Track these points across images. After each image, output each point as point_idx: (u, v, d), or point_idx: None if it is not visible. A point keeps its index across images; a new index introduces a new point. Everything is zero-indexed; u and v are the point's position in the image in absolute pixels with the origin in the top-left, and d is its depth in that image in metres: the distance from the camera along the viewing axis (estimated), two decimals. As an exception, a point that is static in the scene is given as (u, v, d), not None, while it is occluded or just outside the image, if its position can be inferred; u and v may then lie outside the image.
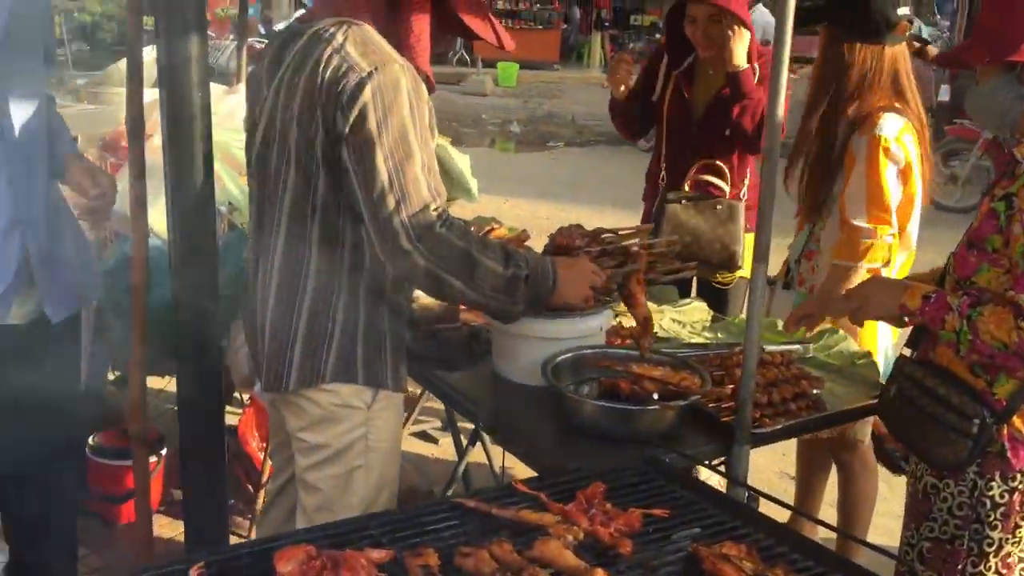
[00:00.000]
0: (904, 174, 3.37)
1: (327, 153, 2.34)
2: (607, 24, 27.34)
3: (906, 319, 2.52)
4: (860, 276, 3.33)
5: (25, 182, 2.44)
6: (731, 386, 2.79)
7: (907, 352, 2.72)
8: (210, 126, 2.38)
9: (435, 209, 2.31)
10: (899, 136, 3.34)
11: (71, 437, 3.06)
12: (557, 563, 1.87)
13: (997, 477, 2.46)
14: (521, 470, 4.09)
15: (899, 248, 3.43)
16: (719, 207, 4.03)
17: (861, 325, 2.80)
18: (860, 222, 3.34)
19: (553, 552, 1.89)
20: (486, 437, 4.22)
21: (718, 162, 4.05)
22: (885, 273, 3.36)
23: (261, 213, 2.58)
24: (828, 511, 4.12)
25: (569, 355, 2.92)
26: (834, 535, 3.78)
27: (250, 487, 4.21)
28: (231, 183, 4.33)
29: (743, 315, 3.25)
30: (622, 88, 4.26)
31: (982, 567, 2.51)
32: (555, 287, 2.50)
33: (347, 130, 2.29)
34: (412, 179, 2.28)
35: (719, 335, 3.49)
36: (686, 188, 4.10)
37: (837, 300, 2.83)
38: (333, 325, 2.44)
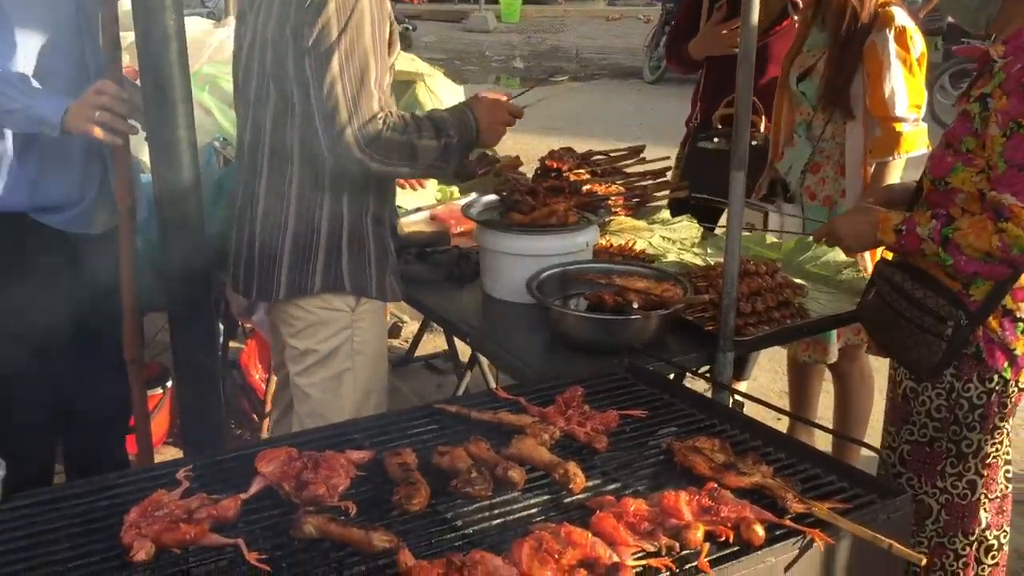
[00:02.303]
0: (919, 62, 3.43)
1: (299, 69, 2.43)
2: (611, -44, 26.86)
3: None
4: (898, 168, 3.46)
5: None
6: (714, 295, 2.82)
7: (889, 255, 2.74)
8: (185, 51, 2.38)
9: (381, 118, 2.45)
10: (912, 25, 3.43)
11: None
12: (532, 459, 1.93)
13: (974, 379, 2.49)
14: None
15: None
16: (754, 142, 3.99)
17: (849, 255, 2.85)
18: (903, 112, 3.40)
19: (528, 449, 1.95)
20: (484, 361, 4.29)
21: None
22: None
23: (246, 135, 2.69)
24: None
25: (554, 271, 2.95)
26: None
27: (255, 417, 4.30)
28: (223, 117, 4.34)
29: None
30: None
31: (961, 468, 2.55)
32: (478, 136, 2.69)
33: (310, 43, 2.39)
34: (366, 94, 2.42)
35: (709, 251, 3.51)
36: (715, 122, 4.11)
37: (815, 233, 2.85)
38: (317, 238, 2.58)
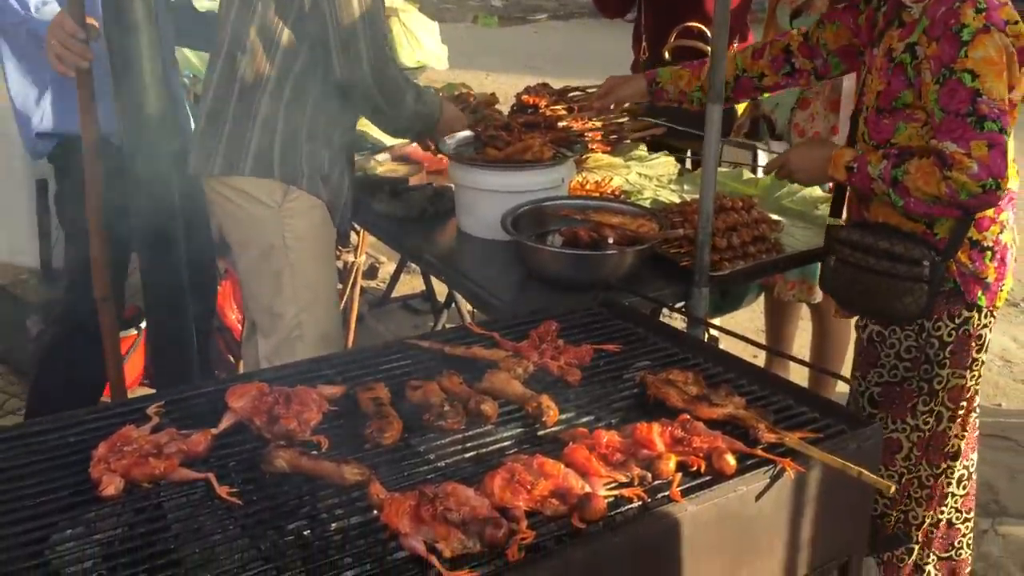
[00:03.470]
0: None
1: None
2: None
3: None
4: None
5: None
6: (690, 230, 2.80)
7: (833, 220, 2.72)
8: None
9: (392, 58, 2.73)
10: None
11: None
12: (505, 393, 1.92)
13: (944, 317, 2.49)
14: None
15: None
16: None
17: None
18: None
19: (501, 383, 1.94)
20: (461, 301, 4.28)
21: (700, 25, 3.96)
22: None
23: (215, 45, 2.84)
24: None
25: (529, 207, 2.93)
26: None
27: (231, 358, 4.27)
28: (192, 54, 4.25)
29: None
30: None
31: (932, 404, 2.57)
32: (439, 123, 3.07)
33: None
34: (379, 22, 2.73)
35: (686, 188, 3.49)
36: (666, 55, 4.02)
37: (768, 164, 2.82)
38: (254, 122, 2.72)
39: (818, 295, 3.69)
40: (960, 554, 2.88)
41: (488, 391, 1.92)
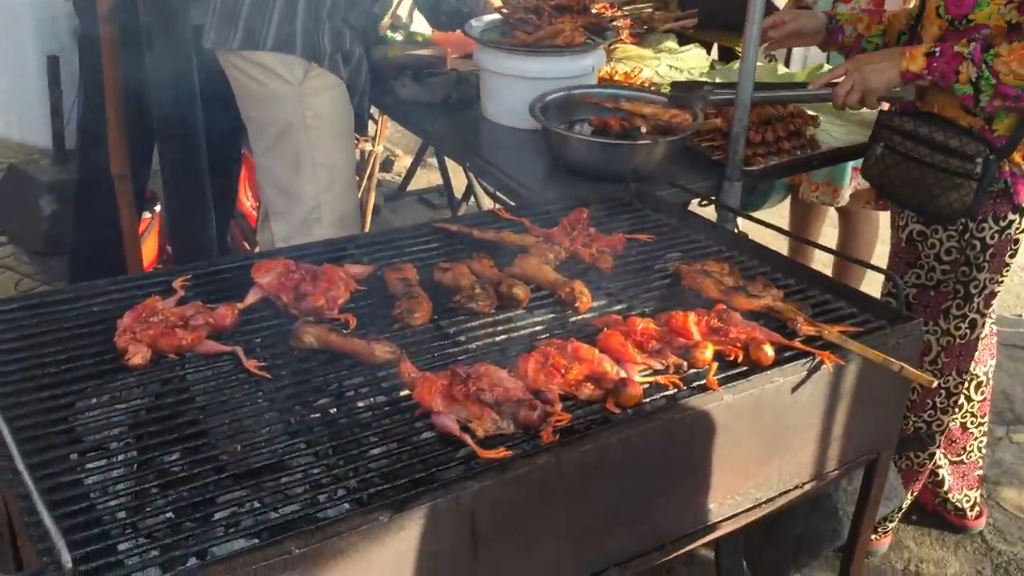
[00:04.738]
0: None
1: None
2: None
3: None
4: None
5: None
6: (723, 123, 2.71)
7: (886, 106, 2.61)
8: None
9: None
10: None
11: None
12: (536, 278, 1.88)
13: (989, 219, 2.42)
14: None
15: None
16: None
17: (872, 107, 2.62)
18: None
19: (532, 268, 1.89)
20: (480, 194, 4.21)
21: None
22: None
23: None
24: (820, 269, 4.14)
25: (558, 94, 2.83)
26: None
27: (246, 244, 4.23)
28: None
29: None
30: None
31: (966, 309, 2.52)
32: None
33: None
34: None
35: (717, 80, 3.37)
36: None
37: (837, 88, 2.63)
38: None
39: (843, 198, 3.60)
40: (971, 457, 2.87)
41: (519, 276, 1.88)
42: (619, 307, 1.85)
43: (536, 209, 2.27)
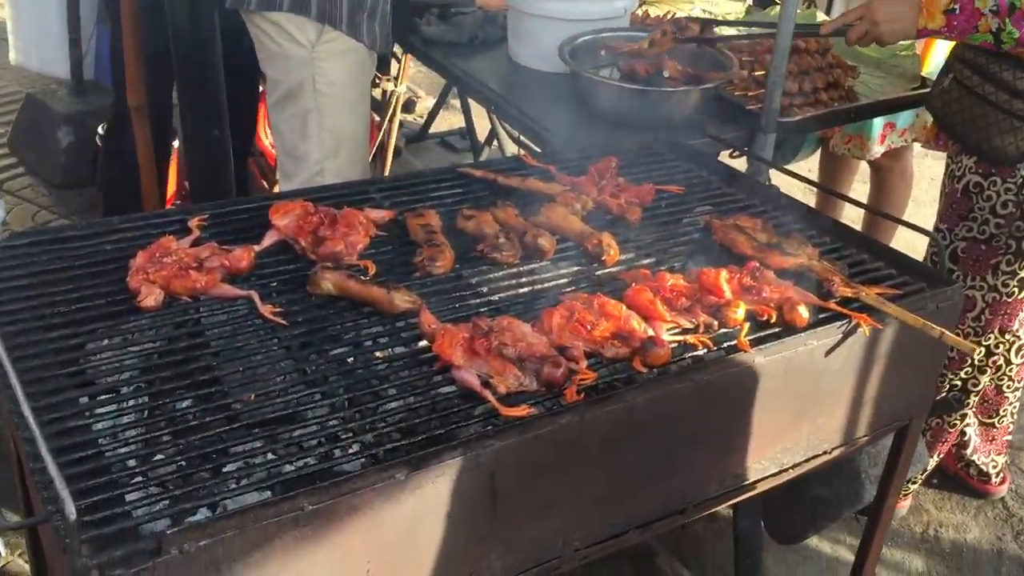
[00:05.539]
0: None
1: None
2: None
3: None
4: None
5: None
6: (759, 71, 2.61)
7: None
8: None
9: None
10: None
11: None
12: (562, 228, 1.81)
13: None
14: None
15: None
16: None
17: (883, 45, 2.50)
18: None
19: (559, 218, 1.82)
20: (503, 137, 4.12)
21: None
22: None
23: None
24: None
25: (588, 37, 2.73)
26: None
27: (264, 183, 4.17)
28: None
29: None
30: None
31: (1016, 266, 2.43)
32: None
33: None
34: None
35: (753, 29, 3.26)
36: None
37: (849, 33, 2.50)
38: None
39: (873, 152, 3.49)
40: (1002, 422, 2.81)
41: (544, 226, 1.81)
42: (647, 261, 1.79)
43: (563, 156, 2.20)
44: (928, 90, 2.58)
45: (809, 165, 4.25)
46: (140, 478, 1.20)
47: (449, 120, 5.41)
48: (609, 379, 1.45)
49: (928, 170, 4.86)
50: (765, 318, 1.59)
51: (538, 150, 2.64)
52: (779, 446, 1.66)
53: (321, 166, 2.67)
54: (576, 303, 1.53)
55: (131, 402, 1.34)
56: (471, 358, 1.41)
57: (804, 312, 1.58)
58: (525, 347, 1.42)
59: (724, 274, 1.65)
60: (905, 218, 3.79)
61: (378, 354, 1.49)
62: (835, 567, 2.71)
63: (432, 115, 5.21)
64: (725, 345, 1.53)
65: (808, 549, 2.74)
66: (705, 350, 1.51)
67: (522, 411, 1.33)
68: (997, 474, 2.96)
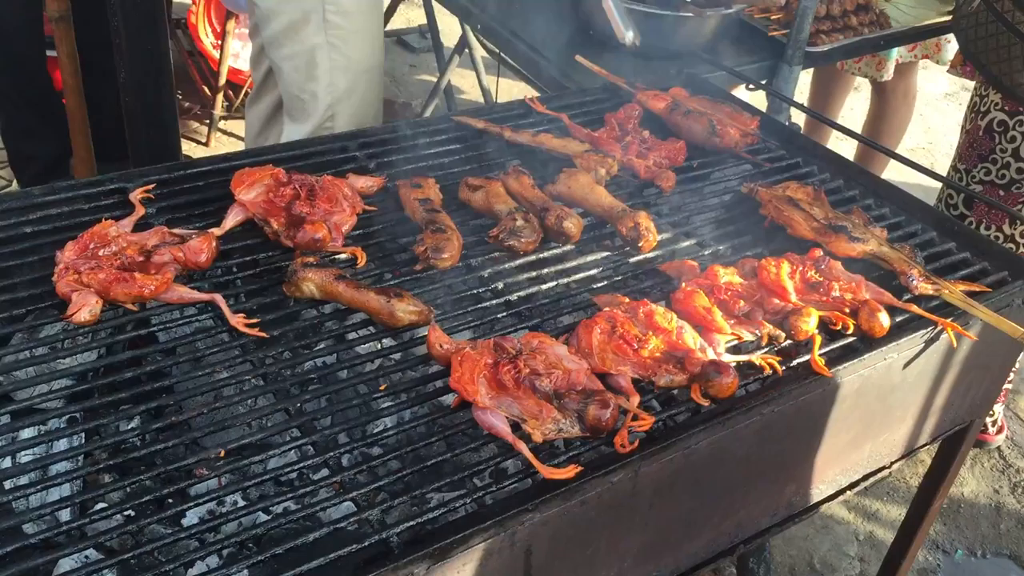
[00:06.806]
0: None
1: None
2: None
3: None
4: None
5: None
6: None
7: None
8: None
9: None
10: None
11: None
12: (587, 202, 1.50)
13: None
14: (520, 91, 3.59)
15: None
16: None
17: None
18: None
19: (583, 189, 1.51)
20: (476, 47, 3.71)
21: None
22: None
23: None
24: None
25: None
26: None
27: (206, 89, 3.74)
28: None
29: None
30: None
31: None
32: None
33: None
34: None
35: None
36: None
37: None
38: None
39: (887, 72, 3.21)
40: None
41: (566, 198, 1.50)
42: (688, 243, 1.50)
43: (573, 100, 1.87)
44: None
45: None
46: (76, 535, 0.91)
47: (407, 15, 4.97)
48: (663, 416, 1.18)
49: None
50: (838, 326, 1.32)
51: (529, 75, 2.30)
52: (838, 468, 1.43)
53: (333, 110, 2.27)
54: (617, 312, 1.25)
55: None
56: (498, 394, 1.12)
57: (885, 320, 1.31)
58: (562, 377, 1.14)
59: (786, 268, 1.37)
60: (896, 136, 3.55)
61: (381, 388, 1.19)
62: (850, 538, 2.57)
63: (389, 10, 4.75)
64: (795, 364, 1.27)
65: (825, 519, 2.59)
66: (772, 373, 1.25)
67: (569, 472, 1.06)
68: (994, 423, 2.85)
